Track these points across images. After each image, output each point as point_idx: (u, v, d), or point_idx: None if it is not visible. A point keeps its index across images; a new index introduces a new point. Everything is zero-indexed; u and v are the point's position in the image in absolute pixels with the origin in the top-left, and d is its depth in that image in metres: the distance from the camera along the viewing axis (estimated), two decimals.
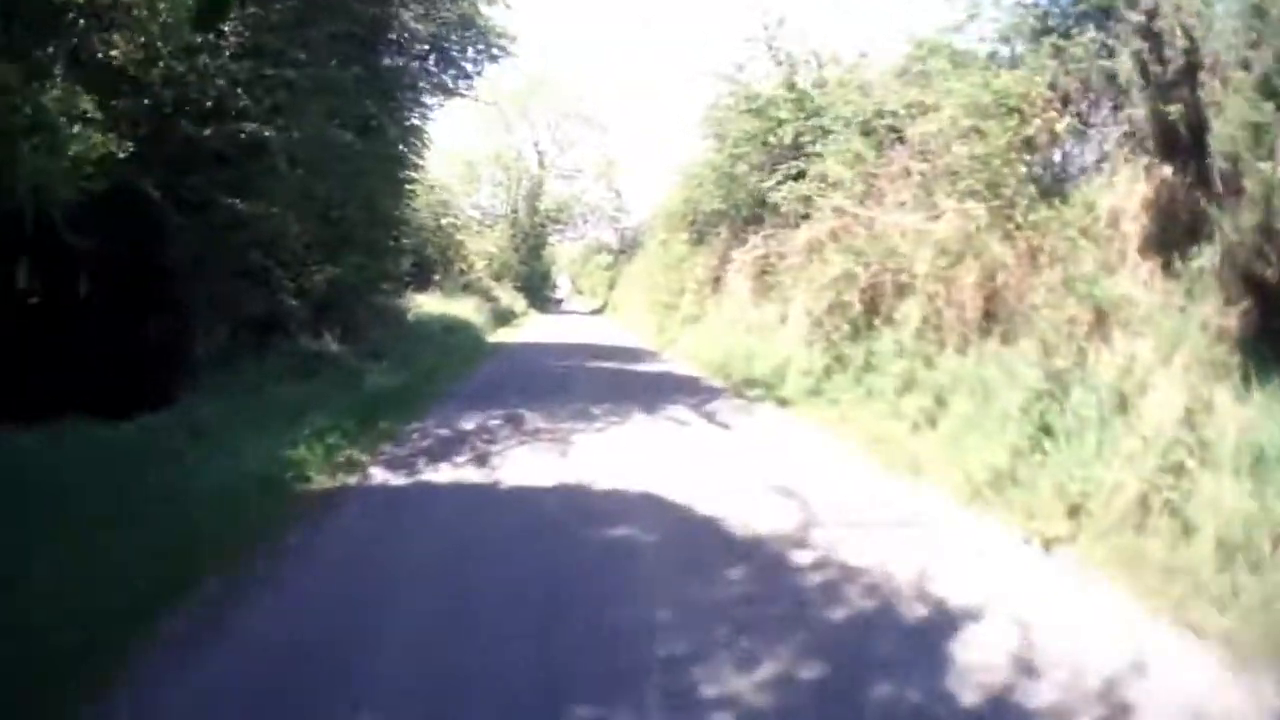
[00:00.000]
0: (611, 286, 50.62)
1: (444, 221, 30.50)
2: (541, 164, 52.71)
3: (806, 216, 13.93)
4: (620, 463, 6.95)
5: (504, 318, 32.28)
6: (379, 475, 6.71)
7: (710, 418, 9.27)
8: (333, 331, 11.33)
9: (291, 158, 9.32)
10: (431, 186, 26.32)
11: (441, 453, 7.34)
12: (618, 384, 12.47)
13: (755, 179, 16.85)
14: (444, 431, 8.35)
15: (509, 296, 41.09)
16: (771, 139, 14.83)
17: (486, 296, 31.94)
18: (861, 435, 8.48)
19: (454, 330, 19.00)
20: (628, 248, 49.35)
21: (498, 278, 43.90)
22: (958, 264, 9.74)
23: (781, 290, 14.67)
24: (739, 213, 18.59)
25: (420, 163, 16.50)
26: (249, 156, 8.91)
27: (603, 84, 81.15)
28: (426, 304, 21.51)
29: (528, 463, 6.98)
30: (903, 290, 10.39)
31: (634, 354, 18.61)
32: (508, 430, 8.29)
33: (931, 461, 7.21)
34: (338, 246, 12.05)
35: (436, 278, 28.16)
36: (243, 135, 8.59)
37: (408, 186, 15.92)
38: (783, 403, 10.45)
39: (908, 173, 11.37)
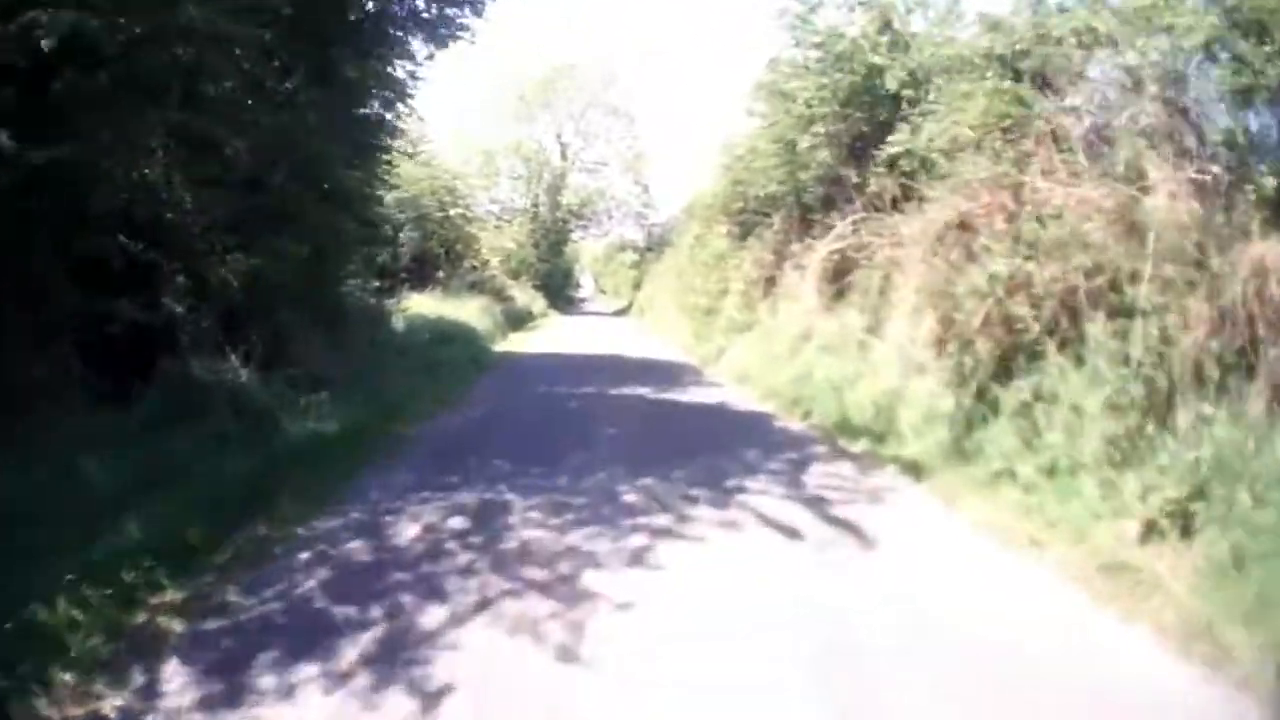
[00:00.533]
0: (637, 286, 47.00)
1: (453, 212, 26.95)
2: (564, 155, 49.09)
3: (907, 198, 10.30)
4: (693, 680, 3.27)
5: (519, 320, 28.74)
6: (172, 695, 3.10)
7: (822, 510, 5.53)
8: (247, 349, 7.78)
9: (147, 75, 5.76)
10: (414, 154, 22.84)
11: (324, 623, 3.68)
12: (659, 429, 8.82)
13: (827, 153, 13.21)
14: (357, 547, 4.68)
15: (527, 296, 37.59)
16: (869, 93, 11.19)
17: (500, 296, 28.40)
18: (1075, 552, 4.86)
19: (450, 339, 15.35)
20: (655, 245, 45.67)
21: (515, 275, 40.45)
22: (1210, 263, 6.15)
23: (869, 294, 11.03)
24: (800, 197, 14.95)
25: (403, 128, 12.90)
26: (57, 64, 5.35)
27: (626, 56, 76.82)
28: (424, 305, 17.95)
29: (486, 674, 3.26)
30: (1097, 301, 6.70)
31: (672, 372, 14.92)
32: (470, 550, 4.59)
33: (1226, 623, 3.69)
34: (264, 227, 8.48)
35: (442, 274, 24.71)
36: (40, 29, 4.99)
37: (385, 156, 12.27)
38: (914, 470, 6.78)
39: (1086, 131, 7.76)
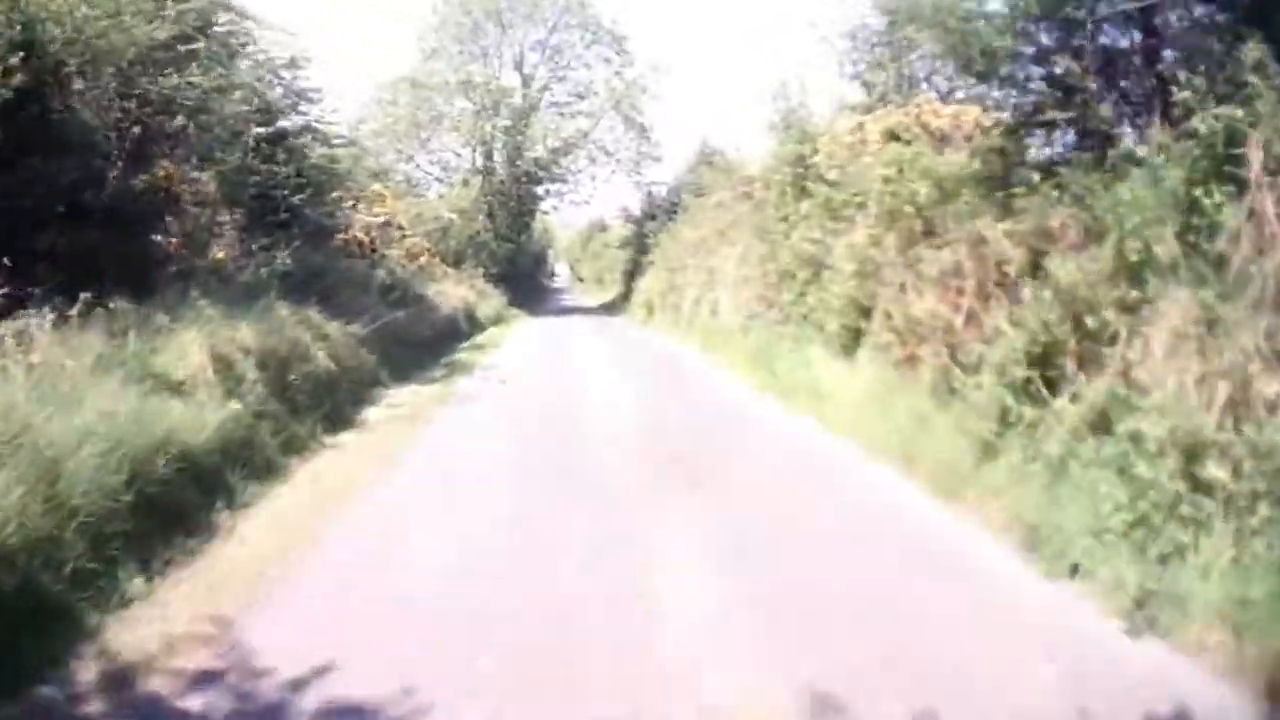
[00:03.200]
0: (634, 271, 32.24)
1: (286, 124, 12.69)
2: (526, 84, 34.57)
3: None
4: None
5: (430, 351, 14.57)
6: None
7: None
8: None
9: None
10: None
11: None
12: None
13: None
14: None
15: (468, 292, 23.50)
16: None
17: (392, 300, 14.12)
18: None
19: None
20: (660, 212, 31.39)
21: (457, 261, 26.32)
22: None
23: None
24: None
25: None
26: None
27: None
28: None
29: None
30: None
31: None
32: None
33: None
34: None
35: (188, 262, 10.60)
36: None
37: None
38: None
39: None
